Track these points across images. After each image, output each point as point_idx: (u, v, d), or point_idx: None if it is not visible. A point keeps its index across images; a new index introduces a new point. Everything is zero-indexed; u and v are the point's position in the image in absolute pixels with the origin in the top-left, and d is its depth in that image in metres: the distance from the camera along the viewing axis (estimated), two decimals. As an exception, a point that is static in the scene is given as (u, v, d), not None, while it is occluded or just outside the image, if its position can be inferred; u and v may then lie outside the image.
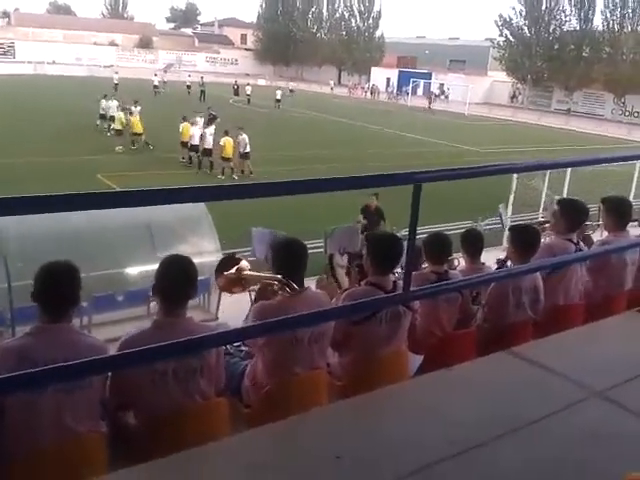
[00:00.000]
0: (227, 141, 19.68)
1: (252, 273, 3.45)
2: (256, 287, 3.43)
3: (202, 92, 42.91)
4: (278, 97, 42.52)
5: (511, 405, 2.53)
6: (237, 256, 3.66)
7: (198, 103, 36.60)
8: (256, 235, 4.05)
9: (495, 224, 13.20)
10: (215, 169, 20.13)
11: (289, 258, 3.24)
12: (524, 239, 4.07)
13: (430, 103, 51.50)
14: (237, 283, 3.48)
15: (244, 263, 3.51)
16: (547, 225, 5.75)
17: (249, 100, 43.73)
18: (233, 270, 3.43)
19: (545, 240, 4.61)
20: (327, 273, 4.62)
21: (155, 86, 44.21)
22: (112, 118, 24.48)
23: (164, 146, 22.90)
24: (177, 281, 2.80)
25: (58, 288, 2.58)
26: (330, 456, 2.12)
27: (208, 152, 20.24)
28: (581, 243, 4.61)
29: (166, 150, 22.47)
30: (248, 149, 19.87)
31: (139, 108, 23.85)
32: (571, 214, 4.34)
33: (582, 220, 4.52)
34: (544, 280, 4.17)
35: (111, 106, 25.33)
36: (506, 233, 11.93)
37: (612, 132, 40.78)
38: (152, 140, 23.31)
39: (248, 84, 46.26)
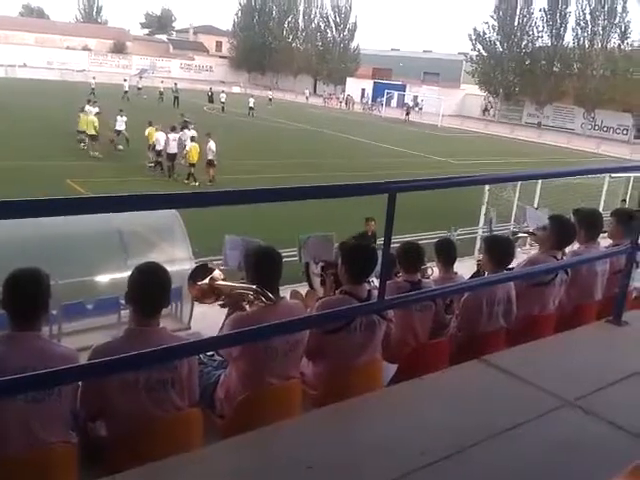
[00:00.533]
0: (193, 147, 19.90)
1: (226, 283, 3.42)
2: (229, 296, 3.40)
3: (176, 98, 42.73)
4: (251, 105, 42.52)
5: (483, 414, 2.55)
6: (210, 265, 3.61)
7: (171, 109, 36.39)
8: (228, 242, 3.99)
9: (468, 234, 13.35)
10: (178, 174, 20.28)
11: (264, 267, 3.21)
12: (499, 249, 4.11)
13: (408, 114, 52.02)
14: (210, 293, 3.44)
15: (217, 272, 3.47)
16: (520, 236, 5.81)
17: (223, 108, 43.67)
18: (206, 280, 3.39)
19: (521, 252, 4.65)
20: (308, 281, 4.59)
21: (125, 91, 43.79)
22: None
23: (135, 152, 22.81)
24: (151, 289, 2.76)
25: (26, 295, 2.52)
26: (302, 466, 2.11)
27: (171, 157, 20.44)
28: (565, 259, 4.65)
29: (136, 156, 22.39)
30: (212, 156, 20.01)
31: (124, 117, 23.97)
32: (561, 232, 4.35)
33: (570, 240, 4.55)
34: (525, 291, 4.21)
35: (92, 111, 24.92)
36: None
37: (582, 145, 41.67)
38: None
39: (223, 91, 46.25)
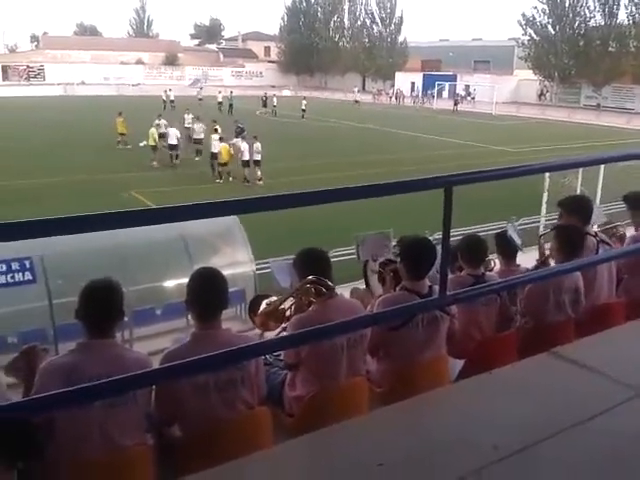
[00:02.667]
0: (223, 148, 20.95)
1: (281, 296, 3.48)
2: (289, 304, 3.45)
3: (230, 106, 43.32)
4: (303, 107, 42.66)
5: (555, 407, 2.50)
6: (261, 295, 3.71)
7: (227, 116, 36.94)
8: (275, 268, 4.08)
9: (530, 223, 13.02)
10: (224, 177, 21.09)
11: (313, 263, 3.27)
12: (570, 238, 4.00)
13: (456, 105, 51.19)
14: (272, 316, 3.50)
15: (273, 297, 3.55)
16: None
17: (275, 112, 44.07)
18: (263, 306, 3.46)
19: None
20: (365, 280, 4.60)
21: (171, 101, 44.71)
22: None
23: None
24: (207, 293, 2.84)
25: (101, 306, 2.63)
26: (372, 463, 2.12)
27: (214, 156, 21.32)
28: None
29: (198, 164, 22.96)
30: (257, 157, 20.87)
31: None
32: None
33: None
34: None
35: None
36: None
37: (645, 125, 40.03)
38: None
39: (274, 95, 46.57)
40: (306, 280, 3.24)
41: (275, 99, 45.44)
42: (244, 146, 20.93)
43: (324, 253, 3.35)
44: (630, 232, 4.76)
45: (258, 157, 20.89)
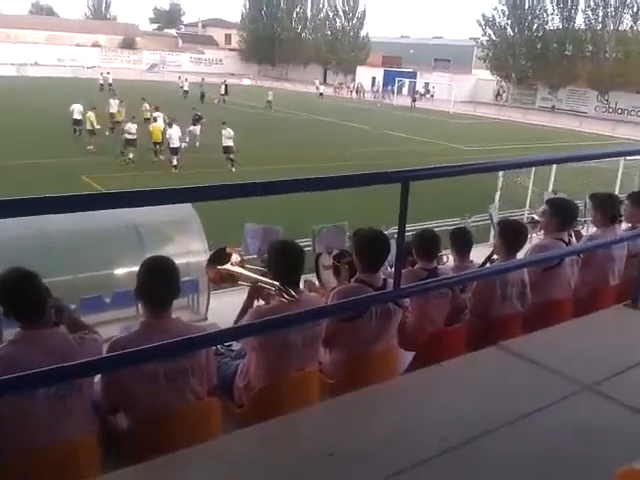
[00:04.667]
0: (155, 127, 21.63)
1: (247, 273, 3.44)
2: (248, 283, 3.42)
3: (202, 94, 42.46)
4: (269, 98, 41.83)
5: (501, 400, 2.55)
6: (228, 249, 3.62)
7: (200, 105, 36.15)
8: (249, 231, 4.04)
9: (482, 221, 13.25)
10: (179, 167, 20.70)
11: (287, 263, 3.22)
12: (512, 233, 4.10)
13: (414, 101, 51.67)
14: (228, 277, 3.47)
15: (235, 257, 3.49)
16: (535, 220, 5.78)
17: (224, 100, 43.26)
18: (228, 266, 3.41)
19: (533, 239, 4.64)
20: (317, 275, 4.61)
21: (109, 84, 43.45)
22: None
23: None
24: (159, 282, 2.78)
25: (18, 298, 2.53)
26: (323, 454, 2.13)
27: (174, 151, 20.88)
28: (573, 240, 4.65)
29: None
30: (229, 143, 20.98)
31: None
32: (561, 213, 4.38)
33: (573, 219, 4.57)
34: (538, 277, 4.21)
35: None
36: (492, 231, 12.00)
37: (596, 128, 41.15)
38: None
39: (224, 83, 45.19)
40: (272, 283, 3.21)
41: (223, 88, 44.29)
42: (173, 132, 20.80)
43: (300, 253, 3.27)
44: (591, 231, 4.90)
45: (230, 143, 20.91)
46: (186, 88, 44.42)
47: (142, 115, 25.89)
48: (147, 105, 27.22)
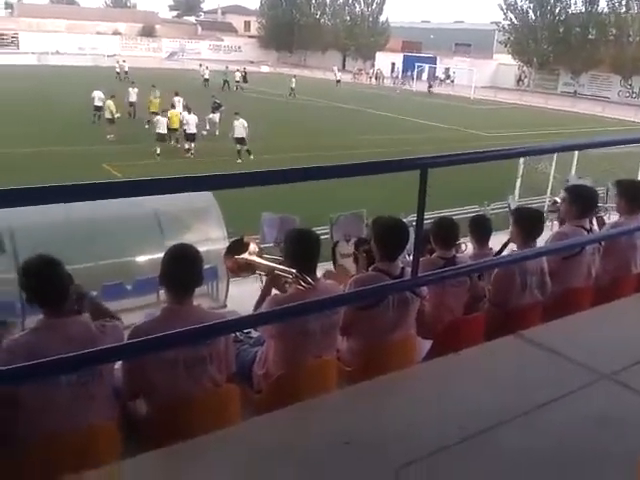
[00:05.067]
0: (172, 113, 21.53)
1: (264, 262, 3.45)
2: (265, 273, 3.44)
3: (226, 82, 42.33)
4: (293, 85, 41.53)
5: (520, 389, 2.54)
6: (246, 239, 3.64)
7: (221, 93, 36.11)
8: (266, 220, 4.07)
9: (501, 208, 13.15)
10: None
11: (303, 251, 3.24)
12: (528, 221, 4.06)
13: (430, 87, 51.22)
14: (246, 267, 3.49)
15: (253, 246, 3.51)
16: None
17: (237, 87, 43.10)
18: (245, 255, 3.43)
19: (553, 227, 4.59)
20: (333, 262, 4.62)
21: (125, 72, 43.79)
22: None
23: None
24: (183, 269, 2.82)
25: (42, 285, 2.57)
26: (339, 442, 2.14)
27: (190, 137, 20.99)
28: (595, 228, 4.59)
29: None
30: (242, 134, 20.45)
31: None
32: (581, 200, 4.32)
33: (593, 206, 4.50)
34: (558, 265, 4.17)
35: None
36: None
37: (619, 114, 40.46)
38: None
39: (242, 70, 45.30)
40: (289, 271, 3.22)
41: (238, 74, 44.20)
42: (190, 118, 20.84)
43: (316, 241, 3.29)
44: (614, 218, 4.83)
45: (243, 134, 20.26)
46: (207, 76, 43.93)
47: (151, 105, 25.10)
48: (158, 92, 26.66)
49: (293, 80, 42.22)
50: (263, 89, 43.04)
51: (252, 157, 20.14)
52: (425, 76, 57.95)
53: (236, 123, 20.40)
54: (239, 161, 19.93)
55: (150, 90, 26.23)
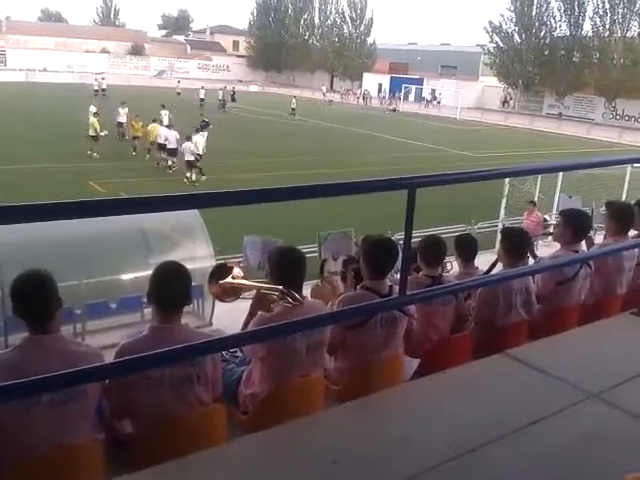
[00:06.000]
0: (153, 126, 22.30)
1: (249, 282, 3.43)
2: (251, 295, 3.41)
3: (222, 101, 42.51)
4: (293, 106, 41.57)
5: (507, 407, 2.54)
6: (229, 264, 3.62)
7: (221, 112, 36.06)
8: (248, 243, 4.06)
9: (488, 227, 13.25)
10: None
11: (289, 268, 3.21)
12: (514, 241, 4.09)
13: (392, 104, 53.22)
14: (231, 291, 3.45)
15: (237, 270, 3.48)
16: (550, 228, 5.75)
17: (224, 104, 43.29)
18: (228, 279, 3.40)
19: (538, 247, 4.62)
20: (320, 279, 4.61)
21: (102, 89, 44.32)
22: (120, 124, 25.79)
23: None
24: (172, 287, 2.79)
25: (34, 300, 2.53)
26: (327, 461, 2.12)
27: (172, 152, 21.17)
28: (583, 248, 4.62)
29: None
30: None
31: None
32: (574, 224, 4.33)
33: (586, 229, 4.53)
34: (551, 290, 4.19)
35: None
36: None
37: (603, 135, 41.09)
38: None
39: (231, 90, 45.41)
40: (275, 288, 3.20)
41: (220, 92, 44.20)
42: (170, 134, 21.04)
43: (301, 257, 3.27)
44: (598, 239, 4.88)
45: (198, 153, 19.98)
46: (202, 96, 43.62)
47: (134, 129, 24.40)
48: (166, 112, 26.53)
49: (293, 100, 42.34)
50: (259, 109, 43.17)
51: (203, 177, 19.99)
52: (412, 97, 58.58)
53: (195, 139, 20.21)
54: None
55: (121, 105, 26.12)
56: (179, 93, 46.03)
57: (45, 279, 2.56)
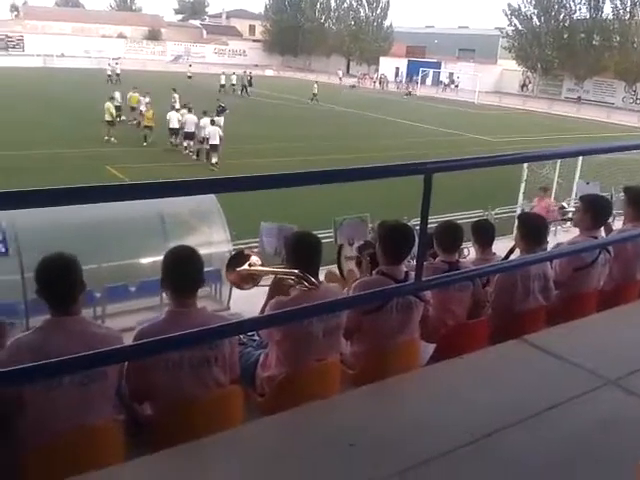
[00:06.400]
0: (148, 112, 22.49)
1: (265, 268, 3.45)
2: (269, 280, 3.43)
3: (244, 87, 42.36)
4: (315, 91, 41.08)
5: (524, 393, 2.54)
6: (246, 252, 3.64)
7: (237, 97, 36.21)
8: (264, 230, 4.08)
9: (506, 212, 13.15)
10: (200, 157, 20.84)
11: (305, 252, 3.23)
12: (531, 227, 4.06)
13: (408, 88, 52.68)
14: (249, 278, 3.47)
15: (254, 258, 3.50)
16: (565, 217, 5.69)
17: (243, 89, 43.12)
18: (245, 266, 3.42)
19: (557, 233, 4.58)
20: (338, 265, 4.61)
21: (117, 74, 43.95)
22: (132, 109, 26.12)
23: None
24: (183, 271, 2.81)
25: (60, 281, 2.56)
26: (343, 444, 2.14)
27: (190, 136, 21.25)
28: (602, 234, 4.57)
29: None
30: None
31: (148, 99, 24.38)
32: (594, 209, 4.28)
33: (606, 215, 4.47)
34: (569, 276, 4.16)
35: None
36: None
37: (623, 120, 40.48)
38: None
39: (249, 74, 45.18)
40: (292, 272, 3.22)
41: (234, 77, 44.06)
42: (189, 117, 21.01)
43: (317, 243, 3.28)
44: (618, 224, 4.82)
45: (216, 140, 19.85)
46: (223, 82, 43.37)
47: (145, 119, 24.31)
48: (177, 96, 26.74)
49: (315, 86, 41.81)
50: (279, 94, 42.95)
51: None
52: (429, 81, 58.01)
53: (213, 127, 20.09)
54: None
55: (132, 90, 26.49)
56: (190, 77, 45.86)
57: (70, 263, 2.59)
